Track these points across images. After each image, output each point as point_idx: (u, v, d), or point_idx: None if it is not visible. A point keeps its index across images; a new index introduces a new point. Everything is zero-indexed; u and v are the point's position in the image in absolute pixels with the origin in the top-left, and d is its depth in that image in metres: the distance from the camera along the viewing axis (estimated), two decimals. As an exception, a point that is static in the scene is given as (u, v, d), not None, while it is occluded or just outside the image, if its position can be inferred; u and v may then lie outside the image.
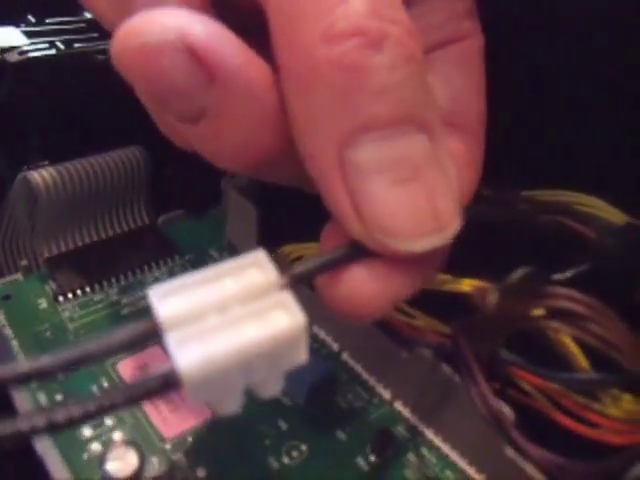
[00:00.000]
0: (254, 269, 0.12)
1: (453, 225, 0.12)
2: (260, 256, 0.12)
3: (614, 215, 0.20)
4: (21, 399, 0.19)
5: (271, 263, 0.12)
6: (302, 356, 0.12)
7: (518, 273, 0.17)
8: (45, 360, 0.11)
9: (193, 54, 0.12)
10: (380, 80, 0.12)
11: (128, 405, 0.11)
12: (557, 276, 0.19)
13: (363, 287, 0.13)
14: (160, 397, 0.11)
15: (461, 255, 0.20)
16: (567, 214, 0.21)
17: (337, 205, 0.12)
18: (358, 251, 0.12)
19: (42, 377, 0.11)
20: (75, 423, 0.10)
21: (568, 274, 0.19)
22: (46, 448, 0.18)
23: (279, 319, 0.11)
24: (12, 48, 0.25)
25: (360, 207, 0.12)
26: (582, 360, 0.18)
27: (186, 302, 0.11)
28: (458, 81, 0.17)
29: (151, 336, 0.11)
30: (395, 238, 0.12)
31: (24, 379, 0.11)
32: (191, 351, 0.11)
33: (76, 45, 0.26)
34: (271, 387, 0.12)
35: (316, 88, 0.12)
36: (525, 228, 0.22)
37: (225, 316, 0.11)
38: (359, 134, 0.12)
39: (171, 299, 0.11)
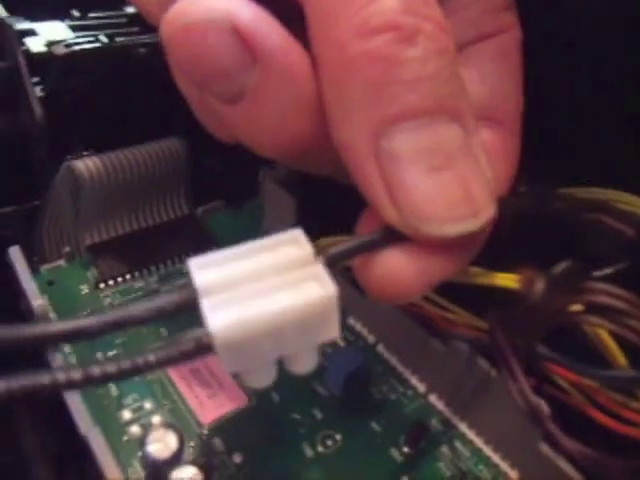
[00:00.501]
0: (291, 245, 0.12)
1: (487, 211, 0.13)
2: (297, 234, 0.12)
3: (652, 213, 0.20)
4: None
5: (308, 241, 0.12)
6: (334, 330, 0.12)
7: (561, 266, 0.17)
8: (89, 320, 0.11)
9: (238, 34, 0.12)
10: (413, 71, 0.12)
11: (161, 366, 0.11)
12: (596, 273, 0.19)
13: (398, 268, 0.13)
14: (193, 360, 0.12)
15: (498, 249, 0.21)
16: (605, 212, 0.21)
17: (372, 192, 0.13)
18: (393, 235, 0.13)
19: (84, 337, 0.12)
20: (110, 380, 0.11)
21: (607, 271, 0.19)
22: (89, 429, 0.18)
23: (311, 289, 0.12)
24: (58, 42, 0.26)
25: (395, 194, 0.12)
26: (620, 357, 0.18)
27: (223, 271, 0.12)
28: (495, 75, 0.17)
29: (189, 303, 0.12)
30: (429, 223, 0.12)
31: (67, 337, 0.11)
32: (224, 314, 0.11)
33: (118, 39, 0.27)
34: (305, 361, 0.13)
35: (351, 80, 0.12)
36: (564, 225, 0.22)
37: (259, 284, 0.12)
38: (393, 123, 0.12)
39: (209, 268, 0.12)
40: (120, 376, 0.11)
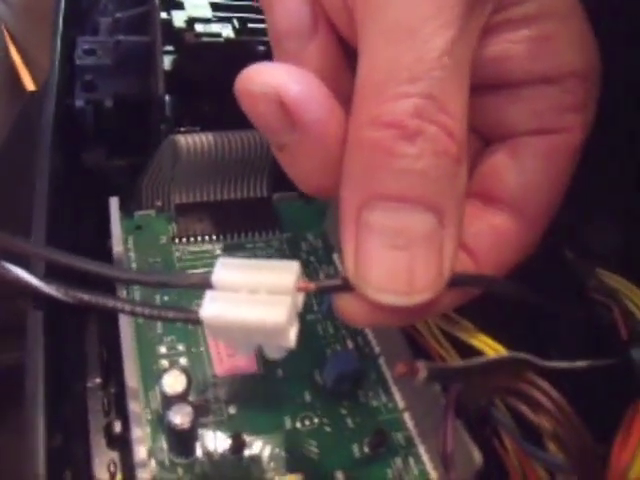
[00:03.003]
0: (286, 273, 0.18)
1: (421, 295, 0.16)
2: (295, 265, 0.18)
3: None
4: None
5: (299, 274, 0.18)
6: (287, 341, 0.18)
7: (495, 357, 0.20)
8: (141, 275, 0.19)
9: (282, 105, 0.17)
10: (403, 164, 0.16)
11: (169, 320, 0.19)
12: (552, 364, 0.22)
13: (351, 309, 0.18)
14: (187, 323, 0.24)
15: (503, 314, 0.24)
16: (615, 300, 0.23)
17: (344, 247, 0.17)
18: None
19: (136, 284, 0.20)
20: (136, 315, 0.20)
21: (580, 364, 0.22)
22: (129, 351, 0.25)
23: (271, 312, 0.17)
24: (198, 19, 0.32)
25: (357, 255, 0.17)
26: (551, 442, 0.21)
27: (232, 275, 0.18)
28: (535, 173, 0.19)
29: (202, 286, 0.18)
30: (368, 286, 0.17)
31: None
32: (214, 307, 0.18)
33: (249, 25, 0.33)
34: (272, 353, 0.19)
35: (356, 156, 0.17)
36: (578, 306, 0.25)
37: (246, 295, 0.18)
38: (375, 200, 0.16)
39: (228, 269, 0.18)
40: (129, 313, 0.20)
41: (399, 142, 0.16)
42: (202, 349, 0.27)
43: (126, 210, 0.30)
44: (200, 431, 0.24)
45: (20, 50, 0.53)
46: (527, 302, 0.22)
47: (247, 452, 0.24)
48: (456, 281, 0.18)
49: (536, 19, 0.18)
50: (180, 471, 0.23)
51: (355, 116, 0.17)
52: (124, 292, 0.27)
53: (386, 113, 0.16)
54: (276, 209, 0.32)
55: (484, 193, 0.20)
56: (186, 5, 0.33)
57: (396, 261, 0.16)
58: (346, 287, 0.17)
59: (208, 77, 0.30)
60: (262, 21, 0.33)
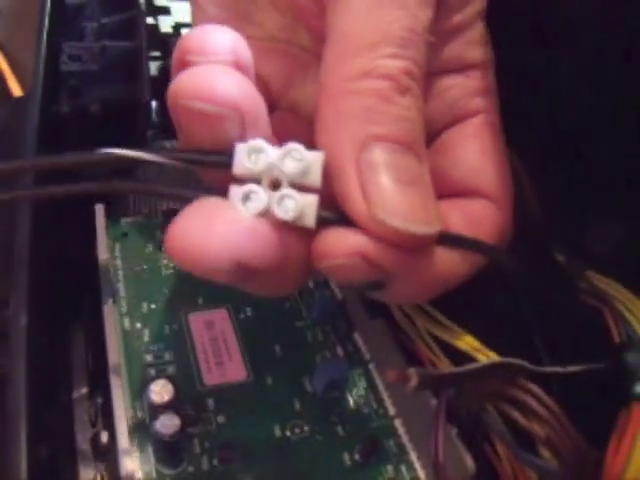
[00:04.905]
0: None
1: (436, 224, 0.18)
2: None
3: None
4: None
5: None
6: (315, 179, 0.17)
7: (486, 363, 0.20)
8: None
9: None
10: (400, 111, 0.18)
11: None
12: (554, 368, 0.21)
13: (360, 245, 0.17)
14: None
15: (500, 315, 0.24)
16: (605, 304, 0.23)
17: (347, 189, 0.17)
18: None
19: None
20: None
21: (573, 368, 0.22)
22: (116, 359, 0.25)
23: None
24: (183, 25, 0.32)
25: (369, 193, 0.17)
26: (544, 449, 0.21)
27: None
28: (474, 155, 0.21)
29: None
30: (396, 218, 0.17)
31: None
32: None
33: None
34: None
35: (353, 101, 0.18)
36: (570, 306, 0.25)
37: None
38: (376, 141, 0.17)
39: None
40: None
41: (394, 92, 0.17)
42: (191, 358, 0.26)
43: (112, 217, 0.29)
44: (188, 441, 0.24)
45: (7, 55, 0.52)
46: (522, 278, 0.22)
47: (236, 462, 0.23)
48: (451, 240, 0.18)
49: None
50: (168, 482, 0.23)
51: (341, 69, 0.18)
52: (110, 301, 0.26)
53: (382, 67, 0.17)
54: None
55: (447, 192, 0.21)
56: (172, 10, 0.33)
57: (410, 193, 0.17)
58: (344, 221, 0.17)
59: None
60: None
